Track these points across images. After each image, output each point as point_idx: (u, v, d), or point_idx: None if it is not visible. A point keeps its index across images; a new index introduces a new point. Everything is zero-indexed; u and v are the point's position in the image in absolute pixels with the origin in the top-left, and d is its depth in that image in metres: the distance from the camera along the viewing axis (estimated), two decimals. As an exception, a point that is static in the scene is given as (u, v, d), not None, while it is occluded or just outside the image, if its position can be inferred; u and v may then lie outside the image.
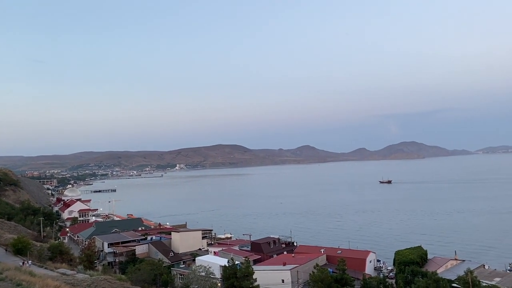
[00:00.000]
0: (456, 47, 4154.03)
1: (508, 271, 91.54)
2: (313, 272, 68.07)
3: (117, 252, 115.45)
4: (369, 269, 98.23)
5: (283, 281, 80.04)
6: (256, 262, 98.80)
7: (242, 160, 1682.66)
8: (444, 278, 65.05)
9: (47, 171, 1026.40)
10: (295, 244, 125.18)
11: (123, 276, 63.17)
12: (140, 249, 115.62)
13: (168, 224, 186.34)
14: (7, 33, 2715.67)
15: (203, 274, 75.06)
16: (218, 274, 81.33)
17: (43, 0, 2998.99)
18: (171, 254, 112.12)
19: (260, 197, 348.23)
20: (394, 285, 78.00)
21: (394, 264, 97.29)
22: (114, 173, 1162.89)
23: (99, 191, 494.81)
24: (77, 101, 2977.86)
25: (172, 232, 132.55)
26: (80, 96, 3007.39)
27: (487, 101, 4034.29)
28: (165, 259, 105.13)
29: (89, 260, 78.02)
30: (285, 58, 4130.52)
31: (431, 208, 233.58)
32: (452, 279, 70.29)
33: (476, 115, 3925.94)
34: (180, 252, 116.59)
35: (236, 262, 72.37)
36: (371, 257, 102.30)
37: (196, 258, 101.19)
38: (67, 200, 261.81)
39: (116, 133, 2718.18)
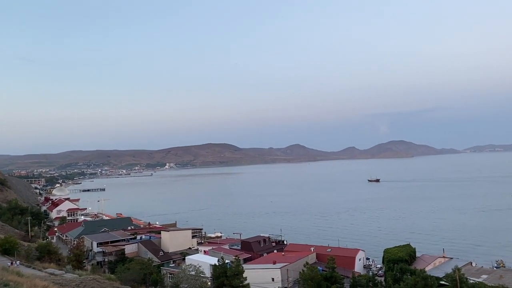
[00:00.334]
0: (444, 48, 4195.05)
1: (495, 268, 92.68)
2: (303, 271, 68.30)
3: (106, 251, 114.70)
4: (358, 267, 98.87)
5: (273, 279, 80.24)
6: (246, 260, 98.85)
7: (232, 159, 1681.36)
8: (432, 276, 65.68)
9: (35, 170, 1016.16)
10: (285, 242, 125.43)
11: (112, 275, 62.74)
12: (130, 249, 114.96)
13: (157, 223, 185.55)
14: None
15: (193, 273, 74.89)
16: (208, 273, 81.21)
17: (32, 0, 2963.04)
18: (161, 253, 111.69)
19: (251, 196, 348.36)
20: (383, 283, 78.53)
21: (383, 262, 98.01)
22: (103, 172, 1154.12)
23: (88, 190, 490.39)
24: (65, 99, 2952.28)
25: (161, 231, 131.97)
26: (69, 95, 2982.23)
27: (474, 101, 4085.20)
28: (155, 258, 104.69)
29: (77, 259, 77.33)
30: (276, 57, 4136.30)
31: (419, 206, 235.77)
32: (440, 277, 71.04)
33: (464, 115, 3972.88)
34: (170, 251, 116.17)
35: (226, 261, 72.31)
36: (360, 255, 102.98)
37: (186, 257, 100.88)
38: (56, 199, 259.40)
39: (105, 131, 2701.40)
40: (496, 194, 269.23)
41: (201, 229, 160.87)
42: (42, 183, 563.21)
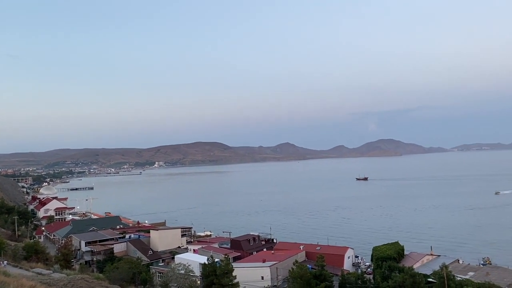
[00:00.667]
0: (432, 47, 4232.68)
1: (481, 266, 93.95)
2: (292, 269, 68.49)
3: (95, 250, 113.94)
4: (347, 265, 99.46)
5: (262, 277, 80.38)
6: (236, 259, 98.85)
7: (222, 158, 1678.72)
8: (420, 273, 66.33)
9: (22, 169, 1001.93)
10: (274, 241, 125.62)
11: (100, 275, 62.35)
12: (118, 248, 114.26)
13: (146, 222, 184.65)
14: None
15: (182, 272, 74.68)
16: (197, 272, 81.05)
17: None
18: (150, 252, 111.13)
19: (240, 195, 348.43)
20: (372, 281, 79.15)
21: (371, 260, 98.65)
22: (92, 170, 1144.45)
23: (76, 189, 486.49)
24: (52, 97, 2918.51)
25: (151, 230, 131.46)
26: (56, 92, 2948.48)
27: (462, 100, 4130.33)
28: (144, 258, 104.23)
29: (65, 259, 76.71)
30: (265, 55, 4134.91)
31: (407, 204, 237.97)
32: (428, 274, 71.77)
33: (451, 114, 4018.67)
34: (159, 250, 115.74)
35: (216, 260, 72.23)
36: (349, 253, 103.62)
37: (175, 256, 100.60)
38: (43, 198, 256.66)
39: (94, 130, 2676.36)
40: (481, 193, 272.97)
41: (191, 228, 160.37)
42: (29, 182, 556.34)
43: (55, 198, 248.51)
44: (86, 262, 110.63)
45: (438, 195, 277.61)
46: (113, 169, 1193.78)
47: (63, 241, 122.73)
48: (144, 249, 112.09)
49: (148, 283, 79.82)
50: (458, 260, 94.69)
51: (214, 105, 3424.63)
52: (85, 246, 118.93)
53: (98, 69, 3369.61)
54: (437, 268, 71.06)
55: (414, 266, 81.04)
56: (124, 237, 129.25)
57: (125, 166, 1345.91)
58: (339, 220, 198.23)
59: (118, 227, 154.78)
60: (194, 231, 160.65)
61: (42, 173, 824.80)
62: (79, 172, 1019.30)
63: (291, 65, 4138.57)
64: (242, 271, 77.72)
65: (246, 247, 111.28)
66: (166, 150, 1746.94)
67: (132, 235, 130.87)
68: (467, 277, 74.87)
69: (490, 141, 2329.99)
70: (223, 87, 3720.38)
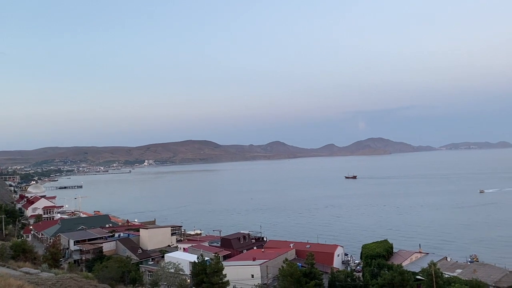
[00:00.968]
0: (421, 47, 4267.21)
1: (469, 263, 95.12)
2: (282, 267, 68.60)
3: (84, 249, 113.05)
4: (337, 263, 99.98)
5: (252, 276, 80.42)
6: (226, 257, 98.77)
7: (212, 156, 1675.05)
8: (409, 271, 66.94)
9: (9, 167, 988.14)
10: (265, 239, 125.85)
11: (89, 274, 61.82)
12: (108, 246, 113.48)
13: (136, 221, 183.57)
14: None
15: (172, 270, 74.46)
16: (187, 270, 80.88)
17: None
18: (140, 251, 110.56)
19: (230, 193, 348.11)
20: (361, 278, 79.66)
21: (361, 258, 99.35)
22: (81, 169, 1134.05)
23: (65, 187, 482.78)
24: (41, 95, 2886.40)
25: (140, 229, 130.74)
26: (44, 90, 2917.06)
27: (450, 100, 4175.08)
28: (133, 256, 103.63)
29: (54, 258, 75.89)
30: (256, 54, 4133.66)
31: (395, 202, 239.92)
32: (416, 271, 72.44)
33: (440, 113, 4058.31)
34: (148, 249, 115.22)
35: (206, 258, 72.14)
36: (339, 251, 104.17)
37: (165, 254, 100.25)
38: (31, 197, 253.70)
39: (83, 128, 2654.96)
40: (468, 191, 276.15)
41: (181, 226, 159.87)
42: (17, 180, 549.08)
43: (43, 196, 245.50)
44: (75, 261, 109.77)
45: (426, 193, 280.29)
46: (102, 168, 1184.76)
47: (51, 240, 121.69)
48: (133, 248, 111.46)
49: (138, 282, 79.36)
50: (446, 257, 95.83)
51: (204, 104, 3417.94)
52: (74, 245, 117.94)
53: (87, 67, 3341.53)
54: (425, 265, 71.74)
55: (403, 264, 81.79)
56: (113, 236, 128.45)
57: (115, 165, 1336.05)
58: (328, 218, 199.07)
59: (107, 226, 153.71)
60: (184, 230, 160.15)
61: (30, 172, 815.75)
62: (68, 171, 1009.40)
63: (282, 64, 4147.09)
64: (232, 270, 77.73)
65: (236, 245, 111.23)
66: (156, 148, 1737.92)
67: (122, 234, 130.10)
68: (455, 274, 75.77)
69: (478, 140, 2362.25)
70: (213, 85, 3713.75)
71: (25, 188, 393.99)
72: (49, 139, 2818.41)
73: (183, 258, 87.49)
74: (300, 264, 76.74)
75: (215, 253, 79.37)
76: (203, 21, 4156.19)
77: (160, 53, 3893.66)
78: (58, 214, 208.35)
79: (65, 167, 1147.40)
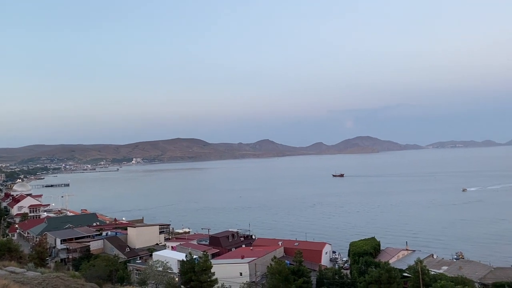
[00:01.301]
0: (408, 47, 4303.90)
1: (455, 260, 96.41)
2: (270, 265, 68.77)
3: (71, 248, 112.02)
4: (325, 260, 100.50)
5: (241, 274, 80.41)
6: (214, 256, 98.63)
7: (201, 154, 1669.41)
8: (396, 268, 67.55)
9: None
10: (253, 237, 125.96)
11: (76, 273, 61.19)
12: (95, 245, 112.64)
13: (124, 219, 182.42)
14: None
15: (160, 269, 74.18)
16: (175, 269, 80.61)
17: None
18: (127, 249, 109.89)
19: (219, 191, 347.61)
20: (349, 276, 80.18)
21: (349, 255, 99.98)
22: (67, 167, 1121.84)
23: (51, 185, 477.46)
24: (27, 92, 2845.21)
25: (128, 227, 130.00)
26: (31, 87, 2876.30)
27: (437, 99, 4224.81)
28: (121, 255, 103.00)
29: (40, 257, 75.12)
30: (244, 53, 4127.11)
31: (382, 200, 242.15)
32: (403, 269, 73.22)
33: (427, 112, 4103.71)
34: (136, 247, 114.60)
35: (194, 257, 71.93)
36: (327, 249, 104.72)
37: (153, 253, 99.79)
38: (17, 195, 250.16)
39: (70, 125, 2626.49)
40: (452, 189, 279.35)
41: (169, 225, 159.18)
42: (2, 179, 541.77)
43: (29, 195, 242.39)
44: (61, 260, 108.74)
45: (412, 191, 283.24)
46: (89, 166, 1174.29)
47: (37, 239, 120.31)
48: (121, 246, 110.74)
49: (126, 281, 78.92)
50: (433, 255, 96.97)
51: (193, 102, 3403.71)
52: (61, 243, 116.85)
53: (74, 65, 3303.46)
54: (412, 263, 72.54)
55: (390, 261, 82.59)
56: (100, 234, 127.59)
57: (102, 163, 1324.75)
58: (316, 216, 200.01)
59: (94, 224, 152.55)
60: (172, 228, 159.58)
61: (16, 170, 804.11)
62: (55, 169, 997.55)
63: (270, 62, 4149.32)
64: (221, 268, 77.66)
65: (225, 243, 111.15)
66: (144, 146, 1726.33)
67: (109, 233, 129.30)
68: (441, 271, 76.75)
69: (464, 139, 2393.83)
70: (202, 83, 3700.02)
71: (10, 186, 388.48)
72: (35, 136, 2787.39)
73: (171, 257, 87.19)
74: (288, 262, 77.04)
75: (204, 251, 79.15)
76: (191, 20, 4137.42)
77: (149, 51, 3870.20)
78: (45, 213, 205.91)
79: (52, 165, 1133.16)
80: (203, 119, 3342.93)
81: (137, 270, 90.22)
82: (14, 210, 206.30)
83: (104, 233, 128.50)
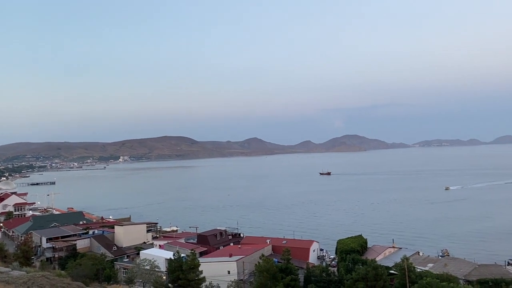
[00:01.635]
0: (395, 47, 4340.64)
1: (440, 257, 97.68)
2: (258, 263, 68.85)
3: (57, 247, 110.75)
4: (312, 258, 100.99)
5: (229, 272, 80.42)
6: (202, 254, 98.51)
7: (189, 152, 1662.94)
8: (382, 265, 68.15)
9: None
10: (241, 235, 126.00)
11: (62, 272, 60.63)
12: (82, 244, 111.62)
13: (111, 218, 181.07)
14: None
15: (147, 267, 73.78)
16: (163, 267, 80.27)
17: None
18: (114, 248, 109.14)
19: (207, 190, 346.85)
20: (336, 273, 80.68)
21: (336, 253, 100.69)
22: (53, 165, 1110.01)
23: (37, 184, 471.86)
24: (12, 89, 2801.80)
25: (115, 226, 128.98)
26: (16, 85, 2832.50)
27: (424, 99, 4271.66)
28: (108, 254, 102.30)
29: (25, 256, 74.31)
30: (233, 51, 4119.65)
31: (369, 198, 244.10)
32: (390, 266, 73.91)
33: (413, 111, 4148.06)
34: (123, 246, 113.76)
35: (182, 255, 71.66)
36: (314, 246, 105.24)
37: (140, 251, 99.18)
38: (1, 193, 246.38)
39: (56, 123, 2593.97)
40: (436, 188, 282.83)
41: (156, 223, 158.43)
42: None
43: (14, 193, 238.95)
44: (47, 259, 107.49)
45: (398, 189, 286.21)
46: (76, 164, 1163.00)
47: (22, 238, 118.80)
48: (108, 245, 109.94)
49: (113, 280, 78.40)
50: (419, 252, 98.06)
51: (181, 99, 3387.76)
52: (46, 242, 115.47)
53: (60, 60, 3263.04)
54: (398, 260, 73.27)
55: (377, 259, 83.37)
56: (87, 233, 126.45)
57: (89, 161, 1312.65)
58: (304, 214, 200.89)
59: (81, 222, 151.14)
60: (160, 227, 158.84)
61: (0, 168, 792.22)
62: (40, 167, 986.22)
63: (260, 61, 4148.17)
64: (209, 266, 77.55)
65: (212, 242, 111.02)
66: (131, 144, 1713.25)
67: (96, 231, 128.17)
68: (426, 268, 77.69)
69: (450, 138, 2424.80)
70: (190, 81, 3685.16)
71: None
72: (20, 134, 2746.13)
73: (158, 255, 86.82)
74: (276, 260, 77.23)
75: (191, 250, 78.93)
76: (179, 18, 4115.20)
77: (137, 48, 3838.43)
78: (30, 211, 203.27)
79: (37, 163, 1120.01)
80: (191, 117, 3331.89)
81: (124, 269, 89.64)
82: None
83: (90, 232, 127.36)
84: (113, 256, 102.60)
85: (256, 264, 69.75)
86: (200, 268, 67.17)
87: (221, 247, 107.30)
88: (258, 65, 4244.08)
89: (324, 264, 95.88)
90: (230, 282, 70.62)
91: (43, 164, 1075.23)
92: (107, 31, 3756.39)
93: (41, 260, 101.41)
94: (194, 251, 77.38)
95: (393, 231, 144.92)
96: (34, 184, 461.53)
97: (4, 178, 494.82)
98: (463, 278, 73.08)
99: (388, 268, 70.62)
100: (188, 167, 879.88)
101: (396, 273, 67.90)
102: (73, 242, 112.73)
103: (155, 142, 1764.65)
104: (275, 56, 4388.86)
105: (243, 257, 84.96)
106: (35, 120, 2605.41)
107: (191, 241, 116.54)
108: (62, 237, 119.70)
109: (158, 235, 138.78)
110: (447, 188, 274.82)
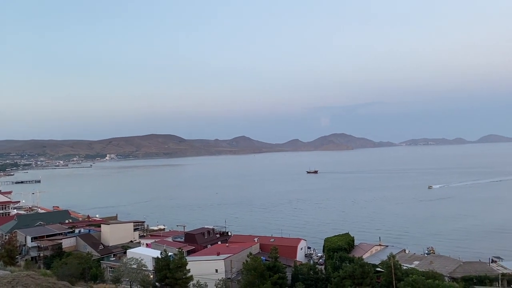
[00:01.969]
0: (382, 46, 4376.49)
1: (426, 255, 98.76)
2: (246, 261, 68.91)
3: (42, 246, 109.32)
4: (300, 256, 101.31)
5: (216, 270, 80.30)
6: (190, 253, 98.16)
7: (177, 151, 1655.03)
8: (369, 263, 68.73)
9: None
10: (229, 234, 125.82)
11: (48, 271, 60.11)
12: (67, 243, 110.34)
13: (97, 216, 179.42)
14: None
15: (134, 266, 73.28)
16: (150, 266, 79.83)
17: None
18: (101, 247, 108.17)
19: (195, 188, 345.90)
20: (323, 271, 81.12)
21: (323, 251, 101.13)
22: (39, 163, 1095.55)
23: (22, 182, 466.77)
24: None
25: (101, 225, 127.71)
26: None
27: (410, 97, 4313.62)
28: (94, 252, 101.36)
29: (9, 255, 73.35)
30: (221, 49, 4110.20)
31: (356, 197, 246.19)
32: (376, 264, 74.55)
33: (400, 110, 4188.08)
34: (110, 245, 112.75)
35: (169, 254, 71.38)
36: (302, 245, 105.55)
37: (127, 250, 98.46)
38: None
39: (41, 120, 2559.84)
40: (420, 186, 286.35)
41: (144, 222, 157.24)
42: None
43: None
44: (32, 258, 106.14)
45: (384, 188, 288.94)
46: (61, 162, 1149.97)
47: (7, 237, 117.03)
48: (94, 243, 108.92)
49: (99, 279, 77.79)
50: (405, 250, 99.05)
51: (169, 97, 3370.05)
52: (31, 241, 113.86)
53: (46, 56, 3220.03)
54: (385, 258, 73.95)
55: (364, 256, 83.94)
56: (73, 231, 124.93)
57: (75, 159, 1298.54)
58: (292, 212, 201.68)
59: (67, 221, 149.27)
60: (147, 225, 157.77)
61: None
62: (25, 165, 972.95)
63: (247, 60, 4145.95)
64: (196, 265, 77.33)
65: (200, 240, 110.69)
66: (118, 142, 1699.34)
67: (82, 230, 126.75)
68: (412, 266, 78.50)
69: (436, 137, 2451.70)
70: (178, 79, 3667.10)
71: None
72: (4, 131, 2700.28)
73: (146, 254, 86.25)
74: (264, 258, 77.35)
75: (179, 248, 78.66)
76: (164, 17, 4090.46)
77: (124, 45, 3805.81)
78: (14, 210, 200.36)
79: (22, 161, 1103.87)
80: (179, 115, 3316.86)
81: (111, 268, 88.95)
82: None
83: (77, 231, 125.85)
84: (99, 255, 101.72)
85: (243, 263, 69.80)
86: (187, 267, 66.99)
87: (209, 246, 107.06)
88: (245, 64, 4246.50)
89: (311, 262, 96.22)
90: (218, 281, 70.51)
91: (28, 162, 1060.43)
92: (93, 28, 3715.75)
93: (26, 260, 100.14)
94: (182, 249, 77.17)
95: (379, 229, 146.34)
96: (18, 183, 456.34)
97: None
98: (448, 275, 74.01)
99: (374, 265, 71.24)
100: (176, 166, 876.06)
101: (383, 270, 68.51)
102: (58, 241, 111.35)
103: (142, 140, 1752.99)
104: (262, 55, 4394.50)
105: (230, 256, 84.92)
106: (19, 117, 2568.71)
107: (179, 239, 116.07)
108: (48, 236, 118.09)
109: (145, 234, 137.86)
110: (430, 187, 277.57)
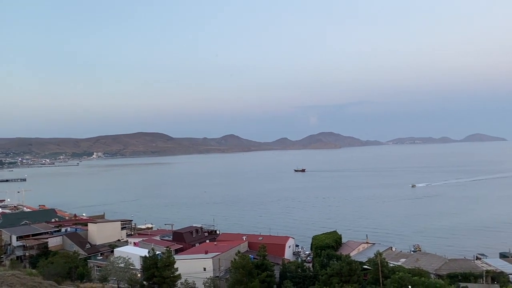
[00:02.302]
0: (370, 46, 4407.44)
1: (412, 252, 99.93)
2: (234, 259, 68.97)
3: (27, 245, 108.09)
4: (288, 254, 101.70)
5: (204, 269, 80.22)
6: (178, 251, 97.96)
7: (165, 149, 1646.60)
8: (356, 261, 69.26)
9: None
10: (217, 232, 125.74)
11: (33, 270, 59.49)
12: (54, 242, 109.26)
13: (84, 215, 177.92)
14: None
15: (122, 265, 72.86)
16: (138, 265, 79.43)
17: None
18: (88, 246, 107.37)
19: (183, 187, 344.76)
20: (311, 269, 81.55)
21: (311, 249, 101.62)
22: (24, 161, 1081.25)
23: (7, 180, 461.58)
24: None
25: (88, 223, 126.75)
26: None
27: (397, 97, 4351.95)
28: (81, 251, 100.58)
29: (-6, 255, 72.21)
30: (210, 48, 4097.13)
31: (344, 195, 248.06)
32: (364, 261, 75.17)
33: (387, 109, 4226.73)
34: (97, 243, 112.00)
35: (157, 252, 71.13)
36: (290, 243, 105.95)
37: (114, 249, 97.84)
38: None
39: (27, 118, 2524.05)
40: (404, 185, 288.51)
41: (131, 220, 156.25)
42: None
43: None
44: (17, 257, 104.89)
45: (371, 186, 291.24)
46: (48, 160, 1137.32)
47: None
48: (81, 242, 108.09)
49: (86, 278, 77.20)
50: (391, 247, 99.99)
51: (156, 95, 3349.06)
52: (17, 240, 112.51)
53: (32, 53, 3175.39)
54: (372, 255, 74.54)
55: (351, 254, 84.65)
56: (60, 230, 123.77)
57: (61, 157, 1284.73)
58: (280, 210, 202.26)
59: (53, 220, 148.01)
60: (135, 224, 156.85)
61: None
62: (10, 163, 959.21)
63: (236, 58, 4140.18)
64: (184, 263, 77.15)
65: (188, 239, 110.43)
66: (105, 140, 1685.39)
67: (69, 229, 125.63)
68: (399, 263, 79.34)
69: (422, 135, 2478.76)
70: (166, 76, 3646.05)
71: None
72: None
73: (133, 253, 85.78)
74: (252, 256, 77.49)
75: (167, 247, 78.40)
76: (155, 13, 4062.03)
77: (111, 41, 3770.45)
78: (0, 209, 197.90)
79: (7, 159, 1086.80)
80: (166, 113, 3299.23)
81: (98, 267, 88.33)
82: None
83: (63, 229, 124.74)
84: (86, 254, 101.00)
85: (232, 261, 69.82)
86: (175, 265, 66.83)
87: (197, 244, 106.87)
88: (234, 62, 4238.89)
89: (299, 260, 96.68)
90: (206, 279, 70.48)
91: (13, 160, 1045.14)
92: (82, 27, 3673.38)
93: (11, 259, 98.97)
94: (170, 248, 76.98)
95: (366, 227, 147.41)
96: (3, 181, 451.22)
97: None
98: (434, 272, 74.99)
99: (362, 263, 71.81)
100: (164, 164, 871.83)
101: (370, 268, 69.10)
102: (44, 240, 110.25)
103: (129, 138, 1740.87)
104: (250, 54, 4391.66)
105: (219, 254, 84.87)
106: (4, 115, 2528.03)
107: (167, 238, 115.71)
108: (33, 235, 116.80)
109: (132, 233, 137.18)
110: (413, 186, 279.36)
